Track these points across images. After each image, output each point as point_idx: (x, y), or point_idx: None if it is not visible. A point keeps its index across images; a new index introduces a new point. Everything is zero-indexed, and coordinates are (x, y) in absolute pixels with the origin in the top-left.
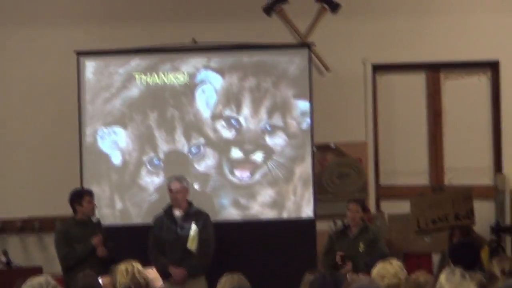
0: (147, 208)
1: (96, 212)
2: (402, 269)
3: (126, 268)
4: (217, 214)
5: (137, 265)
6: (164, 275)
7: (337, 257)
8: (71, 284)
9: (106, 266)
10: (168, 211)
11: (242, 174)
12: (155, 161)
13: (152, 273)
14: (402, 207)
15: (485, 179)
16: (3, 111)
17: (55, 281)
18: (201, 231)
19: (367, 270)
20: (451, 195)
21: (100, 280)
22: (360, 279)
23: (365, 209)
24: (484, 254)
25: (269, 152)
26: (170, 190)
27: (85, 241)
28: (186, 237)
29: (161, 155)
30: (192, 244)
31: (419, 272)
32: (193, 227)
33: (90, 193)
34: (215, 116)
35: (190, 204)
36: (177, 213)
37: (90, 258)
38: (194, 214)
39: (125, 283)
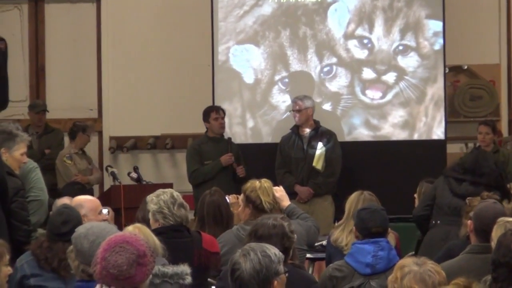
0: (278, 126)
1: (228, 130)
2: None
3: (266, 186)
4: (348, 133)
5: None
6: (290, 193)
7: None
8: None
9: (236, 184)
10: (296, 130)
11: (373, 94)
12: (287, 80)
13: (279, 192)
14: None
15: None
16: (137, 31)
17: (183, 198)
18: (328, 150)
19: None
20: None
21: (227, 198)
22: (485, 201)
23: (496, 131)
24: None
25: (401, 73)
26: (294, 109)
27: (215, 158)
28: (313, 155)
29: (293, 74)
30: (318, 163)
31: None
32: (320, 146)
33: (217, 110)
34: (347, 36)
35: (317, 123)
36: (305, 131)
37: (219, 175)
38: (321, 133)
39: (270, 202)
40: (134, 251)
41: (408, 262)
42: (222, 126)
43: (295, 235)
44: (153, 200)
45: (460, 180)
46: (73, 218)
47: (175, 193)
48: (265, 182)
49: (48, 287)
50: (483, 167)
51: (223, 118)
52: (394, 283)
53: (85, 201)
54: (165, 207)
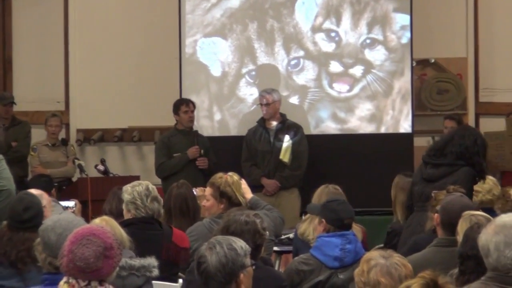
0: (245, 119)
1: (195, 122)
2: (497, 185)
3: (237, 180)
4: (315, 126)
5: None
6: (257, 186)
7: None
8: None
9: (205, 177)
10: (263, 122)
11: (341, 88)
12: (254, 73)
13: (242, 184)
14: (502, 124)
15: None
16: (104, 24)
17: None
18: (295, 143)
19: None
20: None
21: (194, 191)
22: (451, 194)
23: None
24: None
25: (368, 66)
26: (262, 102)
27: (185, 151)
28: (279, 148)
29: (260, 67)
30: (285, 156)
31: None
32: (287, 139)
33: (186, 103)
34: (315, 29)
35: (283, 116)
36: (272, 124)
37: (187, 168)
38: (288, 126)
39: (242, 195)
40: (101, 243)
41: (375, 255)
42: (191, 120)
43: (267, 232)
44: (127, 191)
45: (426, 163)
46: (34, 205)
47: (151, 186)
48: (234, 175)
49: (6, 286)
50: (454, 146)
51: (192, 111)
52: (360, 276)
53: (43, 193)
54: (138, 199)
